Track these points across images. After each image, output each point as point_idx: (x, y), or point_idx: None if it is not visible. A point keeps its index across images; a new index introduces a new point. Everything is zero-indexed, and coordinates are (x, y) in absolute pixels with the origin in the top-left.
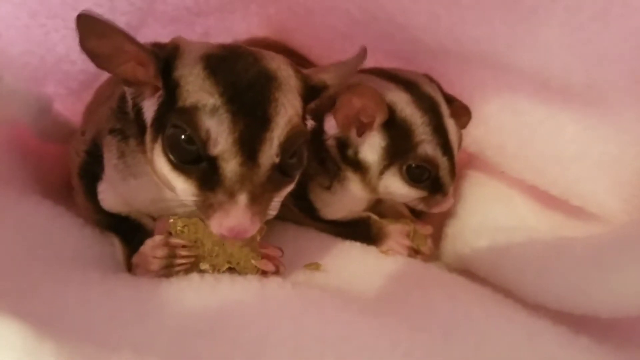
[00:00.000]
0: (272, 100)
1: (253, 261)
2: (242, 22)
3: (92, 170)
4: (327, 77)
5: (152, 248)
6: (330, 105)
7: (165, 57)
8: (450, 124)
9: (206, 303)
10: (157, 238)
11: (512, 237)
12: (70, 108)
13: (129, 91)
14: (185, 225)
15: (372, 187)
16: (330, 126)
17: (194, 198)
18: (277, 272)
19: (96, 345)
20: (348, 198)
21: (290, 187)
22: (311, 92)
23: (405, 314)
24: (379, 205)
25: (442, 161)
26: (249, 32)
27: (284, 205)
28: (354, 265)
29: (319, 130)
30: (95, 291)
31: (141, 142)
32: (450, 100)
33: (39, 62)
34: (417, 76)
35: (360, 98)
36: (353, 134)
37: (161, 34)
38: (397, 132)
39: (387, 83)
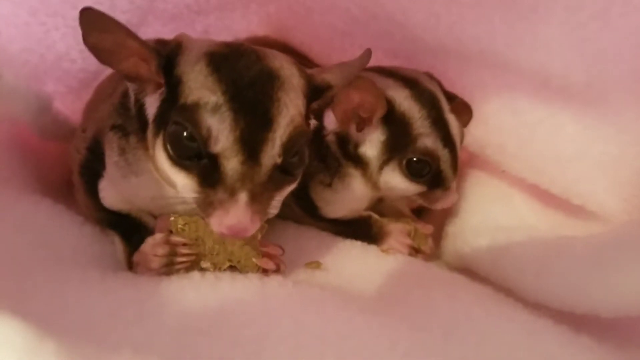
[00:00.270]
0: (274, 99)
1: (254, 259)
2: (242, 20)
3: (93, 168)
4: (331, 78)
5: (152, 246)
6: (330, 101)
7: (168, 54)
8: (451, 118)
9: (207, 301)
10: (158, 236)
11: (512, 237)
12: (70, 106)
13: (131, 87)
14: (186, 223)
15: (373, 183)
16: (330, 121)
17: (195, 195)
18: (277, 271)
19: (96, 344)
20: (349, 195)
21: (292, 186)
22: (315, 92)
23: (405, 313)
24: (379, 205)
25: (443, 154)
26: (248, 31)
27: (284, 204)
28: (354, 264)
29: (319, 126)
30: (96, 290)
31: (142, 138)
32: (451, 97)
33: (39, 60)
34: (417, 73)
35: (358, 92)
36: (353, 129)
37: (161, 32)
38: (395, 126)
39: (386, 79)
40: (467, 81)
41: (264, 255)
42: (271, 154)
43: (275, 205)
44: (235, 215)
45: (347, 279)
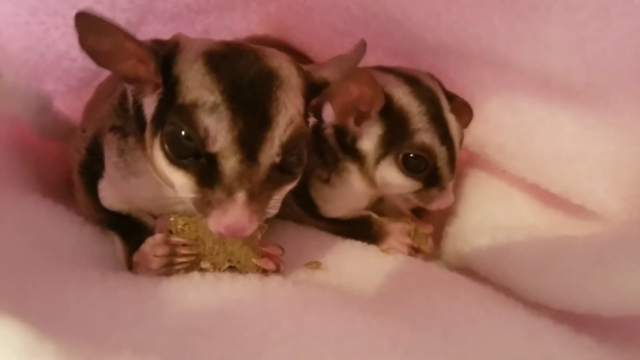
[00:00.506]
0: (273, 98)
1: (254, 260)
2: (242, 19)
3: (92, 168)
4: (328, 74)
5: (152, 246)
6: (328, 95)
7: (165, 54)
8: (450, 118)
9: (207, 302)
10: (158, 236)
11: (512, 236)
12: (70, 105)
13: (129, 88)
14: (186, 224)
15: (369, 178)
16: (328, 114)
17: (193, 195)
18: (277, 271)
19: (96, 344)
20: (348, 192)
21: (291, 185)
22: (313, 90)
23: (405, 313)
24: (379, 204)
25: (440, 151)
26: (248, 30)
27: (284, 203)
28: (354, 264)
29: (317, 121)
30: (96, 290)
31: (141, 139)
32: (451, 97)
33: (39, 59)
34: (418, 72)
35: (357, 85)
36: (351, 122)
37: (161, 32)
38: (393, 120)
39: (386, 75)
40: (467, 81)
41: (263, 255)
42: (270, 153)
43: (274, 205)
44: (233, 215)
45: (347, 279)
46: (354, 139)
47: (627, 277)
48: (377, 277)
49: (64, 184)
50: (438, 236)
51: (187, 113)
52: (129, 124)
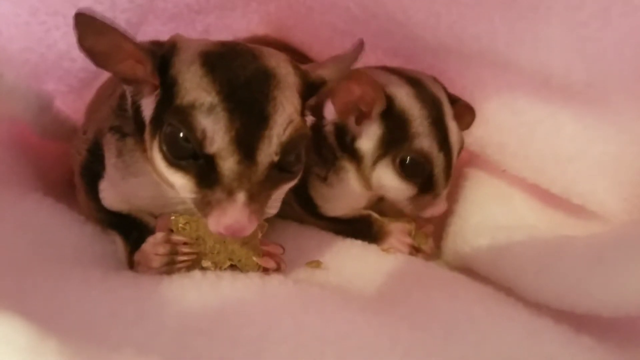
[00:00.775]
0: (270, 98)
1: (254, 258)
2: (242, 19)
3: (93, 169)
4: (326, 73)
5: (153, 245)
6: (327, 94)
7: (163, 55)
8: (452, 124)
9: (207, 301)
10: (159, 235)
11: (512, 236)
12: (71, 105)
13: (128, 89)
14: (187, 223)
15: (365, 179)
16: (329, 112)
17: (192, 195)
18: (278, 270)
19: (97, 343)
20: (345, 192)
21: (290, 184)
22: (310, 89)
23: (405, 313)
24: (380, 204)
25: (438, 157)
26: (249, 30)
27: (285, 202)
28: (354, 264)
29: (317, 117)
30: (97, 289)
31: (139, 140)
32: (454, 100)
33: (40, 60)
34: (422, 75)
35: (358, 84)
36: (351, 121)
37: (161, 32)
38: (393, 122)
39: (390, 76)
40: (467, 80)
41: (264, 254)
42: (267, 152)
43: (274, 204)
44: (232, 215)
45: (347, 278)
46: (353, 138)
47: (627, 277)
48: (378, 277)
49: (64, 183)
50: (438, 236)
51: (184, 114)
52: (128, 125)
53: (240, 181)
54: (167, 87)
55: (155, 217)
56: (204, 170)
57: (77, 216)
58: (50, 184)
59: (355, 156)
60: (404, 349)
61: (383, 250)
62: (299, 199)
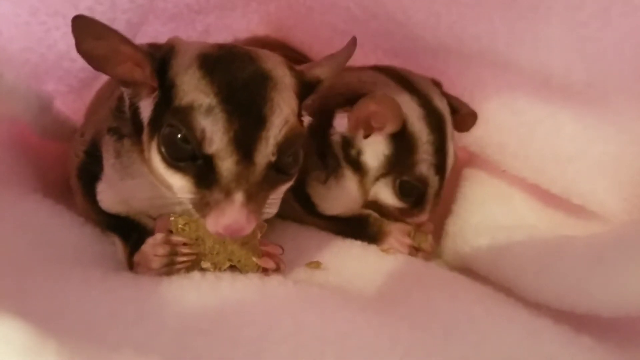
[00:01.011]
0: (267, 99)
1: (254, 259)
2: (242, 19)
3: (90, 171)
4: (321, 72)
5: (153, 246)
6: (343, 102)
7: (161, 58)
8: (450, 147)
9: (207, 301)
10: (158, 236)
11: (512, 236)
12: (71, 106)
13: (126, 91)
14: (186, 223)
15: (364, 190)
16: (341, 124)
17: (191, 196)
18: (278, 270)
19: (97, 344)
20: (342, 194)
21: (287, 185)
22: (306, 89)
23: (405, 313)
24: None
25: (433, 180)
26: (249, 30)
27: (285, 201)
28: (354, 264)
29: (325, 125)
30: (96, 289)
31: (137, 142)
32: (455, 109)
33: (40, 60)
34: (427, 85)
35: (378, 104)
36: (360, 134)
37: (161, 32)
38: (403, 145)
39: (402, 92)
40: (467, 81)
41: (264, 254)
42: (265, 152)
43: (274, 204)
44: (231, 216)
45: (347, 279)
46: (359, 153)
47: (627, 277)
48: (377, 277)
49: (64, 184)
50: (438, 236)
51: (183, 115)
52: (126, 126)
53: (238, 182)
54: (166, 89)
55: (153, 218)
56: (202, 171)
57: (77, 217)
58: (50, 184)
59: (359, 168)
60: (404, 349)
61: (383, 250)
62: (298, 197)
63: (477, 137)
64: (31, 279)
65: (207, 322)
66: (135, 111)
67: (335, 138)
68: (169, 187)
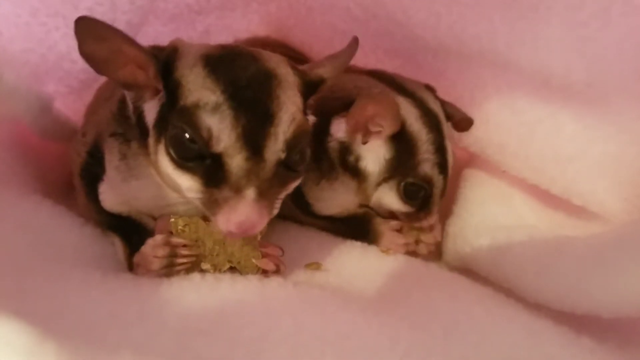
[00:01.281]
0: (274, 97)
1: (254, 260)
2: (243, 20)
3: (93, 171)
4: (323, 71)
5: (153, 247)
6: (341, 108)
7: (165, 59)
8: (448, 145)
9: (207, 302)
10: (158, 237)
11: (512, 236)
12: (71, 106)
13: (129, 95)
14: (186, 225)
15: (365, 196)
16: (338, 129)
17: (200, 195)
18: (277, 271)
19: (97, 345)
20: (335, 197)
21: (296, 182)
22: (309, 88)
23: (405, 313)
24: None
25: (438, 180)
26: (249, 30)
27: (283, 201)
28: (354, 265)
29: (322, 130)
30: (96, 290)
31: (143, 144)
32: (450, 115)
33: (40, 60)
34: (421, 89)
35: (376, 106)
36: (358, 140)
37: (162, 32)
38: (403, 147)
39: (397, 94)
40: (468, 81)
41: (263, 256)
42: (275, 149)
43: (278, 203)
44: (243, 212)
45: (347, 280)
46: (357, 159)
47: (627, 278)
48: (377, 278)
49: (64, 184)
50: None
51: (189, 115)
52: (131, 131)
53: (249, 178)
54: (170, 91)
55: (155, 219)
56: (210, 170)
57: (77, 218)
58: (50, 185)
59: (357, 174)
60: (404, 349)
61: (382, 251)
62: (293, 197)
63: (477, 138)
64: (31, 279)
65: (207, 322)
66: (140, 115)
67: (333, 145)
68: (177, 188)
